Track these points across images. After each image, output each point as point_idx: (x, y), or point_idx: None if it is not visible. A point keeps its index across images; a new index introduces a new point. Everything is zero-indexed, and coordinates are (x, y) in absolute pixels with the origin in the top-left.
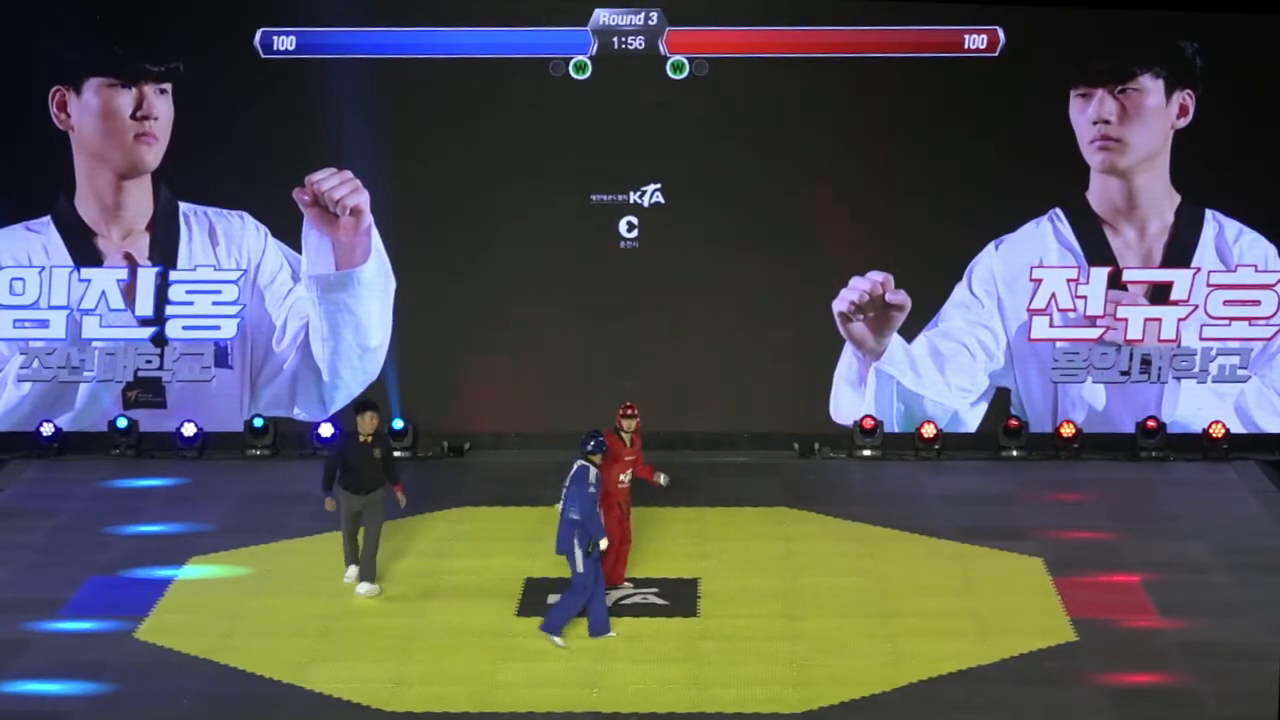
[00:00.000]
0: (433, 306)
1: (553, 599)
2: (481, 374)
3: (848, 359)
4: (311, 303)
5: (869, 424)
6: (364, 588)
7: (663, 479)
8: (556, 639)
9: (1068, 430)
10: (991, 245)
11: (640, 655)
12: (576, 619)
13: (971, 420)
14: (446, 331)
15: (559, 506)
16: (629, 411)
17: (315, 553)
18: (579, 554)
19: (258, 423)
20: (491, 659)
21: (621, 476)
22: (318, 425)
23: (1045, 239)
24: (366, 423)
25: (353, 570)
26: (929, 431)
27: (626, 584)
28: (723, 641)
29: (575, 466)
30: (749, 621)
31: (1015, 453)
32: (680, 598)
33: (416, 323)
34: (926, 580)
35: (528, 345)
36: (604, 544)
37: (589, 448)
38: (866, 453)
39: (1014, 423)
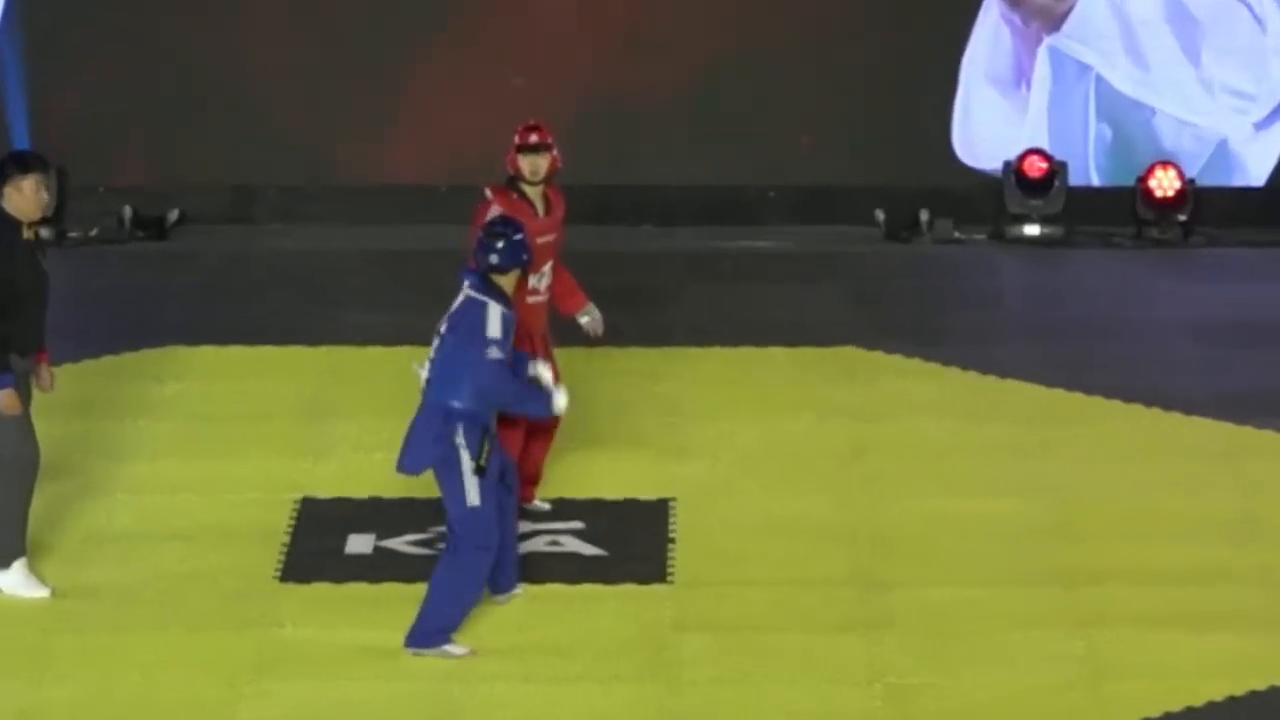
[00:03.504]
0: None
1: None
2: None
3: (992, 31)
4: None
5: (1037, 170)
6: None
7: (588, 320)
8: (451, 649)
9: None
10: None
11: (531, 673)
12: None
13: (1257, 161)
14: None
15: (420, 373)
16: (533, 139)
17: None
18: (467, 472)
19: None
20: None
21: (532, 280)
22: None
23: None
24: (33, 197)
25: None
26: (1165, 185)
27: (539, 504)
28: (719, 635)
29: (462, 299)
30: (772, 592)
31: None
32: (632, 542)
33: None
34: (1159, 502)
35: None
36: (557, 397)
37: (493, 260)
38: (1028, 230)
39: None
